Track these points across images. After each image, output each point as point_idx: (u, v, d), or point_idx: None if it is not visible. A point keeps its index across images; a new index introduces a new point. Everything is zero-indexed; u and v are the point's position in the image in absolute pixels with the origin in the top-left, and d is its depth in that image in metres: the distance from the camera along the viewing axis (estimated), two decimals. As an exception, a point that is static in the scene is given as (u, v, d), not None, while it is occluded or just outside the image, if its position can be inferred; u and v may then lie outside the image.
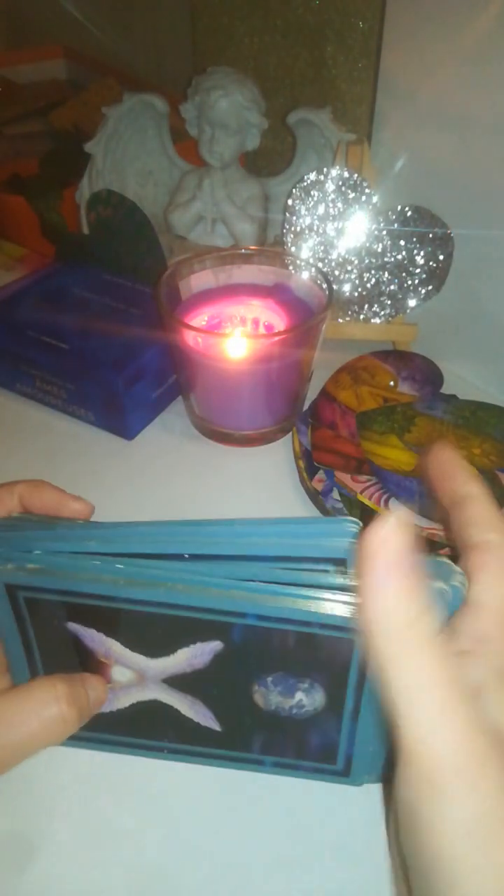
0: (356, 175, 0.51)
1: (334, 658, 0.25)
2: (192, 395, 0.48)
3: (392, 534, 0.18)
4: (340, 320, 0.54)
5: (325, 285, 0.46)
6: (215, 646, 0.26)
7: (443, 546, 0.39)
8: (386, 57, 0.51)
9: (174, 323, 0.43)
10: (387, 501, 0.42)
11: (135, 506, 0.44)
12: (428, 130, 0.50)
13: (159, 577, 0.24)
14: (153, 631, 0.26)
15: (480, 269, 0.50)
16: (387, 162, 0.53)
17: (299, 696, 0.27)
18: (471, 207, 0.49)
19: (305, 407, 0.49)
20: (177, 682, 0.28)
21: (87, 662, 0.28)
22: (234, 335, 0.48)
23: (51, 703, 0.26)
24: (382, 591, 0.18)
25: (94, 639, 0.27)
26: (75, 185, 0.61)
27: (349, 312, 0.54)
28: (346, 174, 0.51)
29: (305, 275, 0.49)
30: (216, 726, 0.29)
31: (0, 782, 0.30)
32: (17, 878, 0.28)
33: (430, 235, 0.50)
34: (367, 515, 0.41)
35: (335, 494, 0.43)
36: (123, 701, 0.29)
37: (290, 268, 0.49)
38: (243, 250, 0.50)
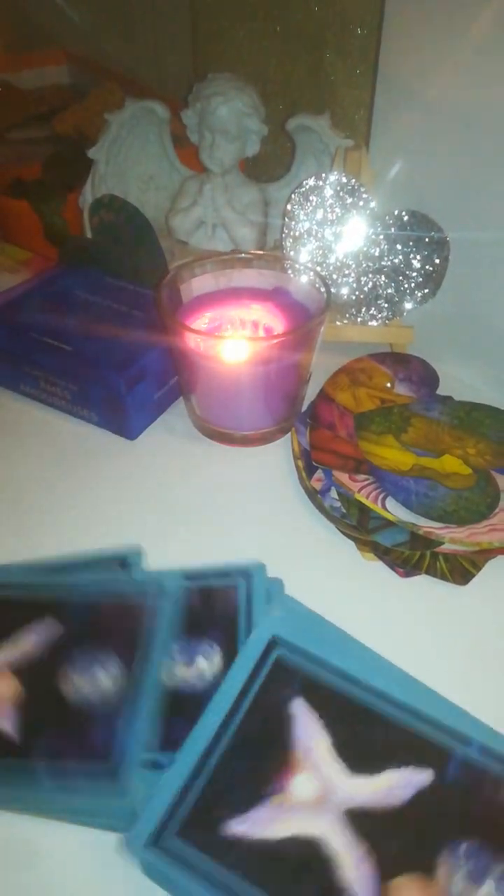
0: (354, 180, 0.51)
1: None
2: (192, 396, 0.48)
3: None
4: (338, 323, 0.55)
5: (323, 289, 0.46)
6: (424, 778, 0.23)
7: (439, 544, 0.40)
8: (384, 63, 0.52)
9: (175, 325, 0.44)
10: (384, 500, 0.43)
11: (137, 505, 0.45)
12: (426, 135, 0.50)
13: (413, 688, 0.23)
14: (374, 737, 0.24)
15: (476, 272, 0.51)
16: (384, 167, 0.54)
17: (487, 889, 0.22)
18: (467, 212, 0.50)
19: (304, 408, 0.50)
20: (358, 819, 0.23)
21: (278, 754, 0.24)
22: (234, 337, 0.48)
23: None
24: None
25: (309, 728, 0.24)
26: (78, 189, 0.62)
27: (347, 315, 0.55)
28: (344, 179, 0.51)
29: (304, 278, 0.49)
30: None
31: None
32: (17, 878, 0.29)
33: (427, 239, 0.51)
34: (364, 514, 0.42)
35: (333, 493, 0.43)
36: (281, 828, 0.23)
37: (289, 272, 0.50)
38: (243, 254, 0.51)
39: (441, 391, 0.51)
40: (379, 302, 0.54)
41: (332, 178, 0.51)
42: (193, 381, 0.47)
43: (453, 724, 0.23)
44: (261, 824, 0.23)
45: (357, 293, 0.54)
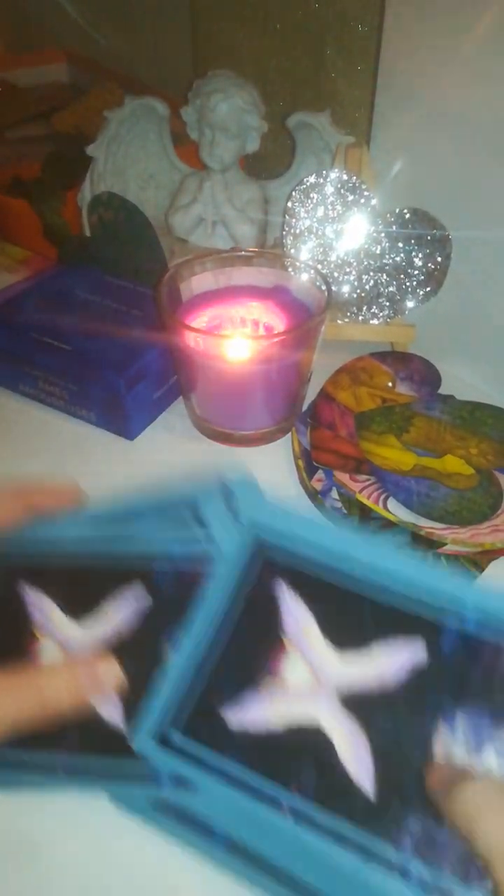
0: (355, 178, 0.51)
1: None
2: (192, 395, 0.48)
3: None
4: (339, 321, 0.55)
5: (324, 287, 0.46)
6: (417, 653, 0.23)
7: (441, 545, 0.40)
8: (385, 60, 0.51)
9: (175, 324, 0.43)
10: (385, 501, 0.43)
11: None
12: (426, 133, 0.50)
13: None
14: (362, 616, 0.24)
15: (478, 270, 0.50)
16: (385, 165, 0.53)
17: (489, 756, 0.21)
18: (469, 210, 0.49)
19: (305, 407, 0.50)
20: (354, 704, 0.23)
21: (268, 640, 0.25)
22: (234, 336, 0.48)
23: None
24: None
25: (296, 613, 0.25)
26: (77, 187, 0.62)
27: (348, 314, 0.54)
28: (344, 177, 0.51)
29: (305, 276, 0.49)
30: (369, 787, 0.22)
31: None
32: (17, 877, 0.29)
33: (429, 237, 0.51)
34: (365, 515, 0.42)
35: (334, 494, 0.43)
36: (278, 715, 0.24)
37: (290, 270, 0.50)
38: (243, 252, 0.51)
39: (443, 390, 0.51)
40: (380, 300, 0.53)
41: (333, 175, 0.51)
42: (193, 381, 0.47)
43: (445, 600, 0.23)
44: (259, 712, 0.24)
45: (358, 291, 0.54)
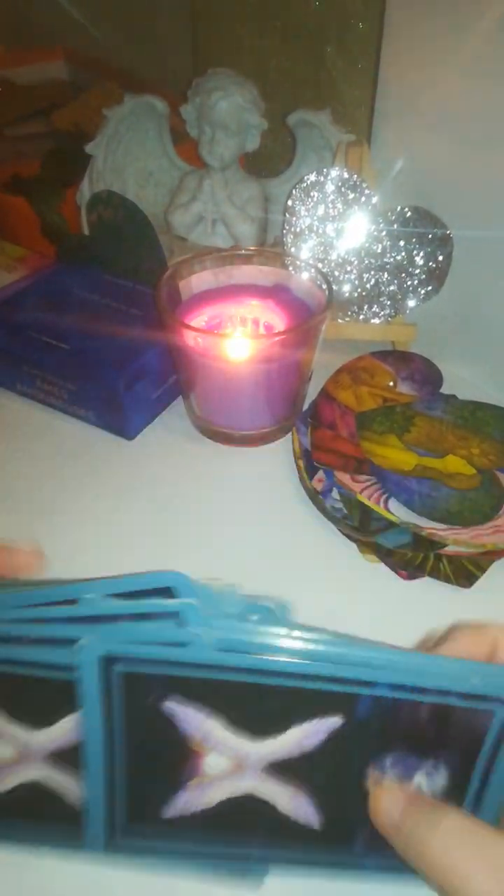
0: (356, 176, 0.51)
1: (469, 733, 0.23)
2: (192, 395, 0.48)
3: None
4: (340, 321, 0.54)
5: (324, 286, 0.46)
6: (334, 723, 0.23)
7: (443, 546, 0.40)
8: (386, 58, 0.51)
9: (174, 323, 0.43)
10: (386, 501, 0.42)
11: (135, 506, 0.44)
12: (427, 131, 0.50)
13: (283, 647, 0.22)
14: (268, 706, 0.23)
15: (479, 269, 0.50)
16: (386, 163, 0.53)
17: (418, 779, 0.24)
18: (470, 208, 0.49)
19: (305, 407, 0.49)
20: (279, 770, 0.24)
21: (175, 750, 0.24)
22: (234, 335, 0.48)
23: None
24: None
25: (194, 720, 0.24)
26: (76, 186, 0.61)
27: (349, 313, 0.54)
28: (345, 175, 0.51)
29: (305, 275, 0.49)
30: (315, 823, 0.25)
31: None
32: (18, 876, 0.29)
33: (430, 236, 0.50)
34: (366, 515, 0.41)
35: (335, 494, 0.43)
36: (212, 798, 0.25)
37: (290, 268, 0.49)
38: (243, 251, 0.50)
39: (444, 390, 0.50)
40: (381, 299, 0.53)
41: (334, 173, 0.51)
42: (193, 380, 0.47)
43: (352, 673, 0.22)
44: (192, 802, 0.25)
45: (359, 290, 0.53)
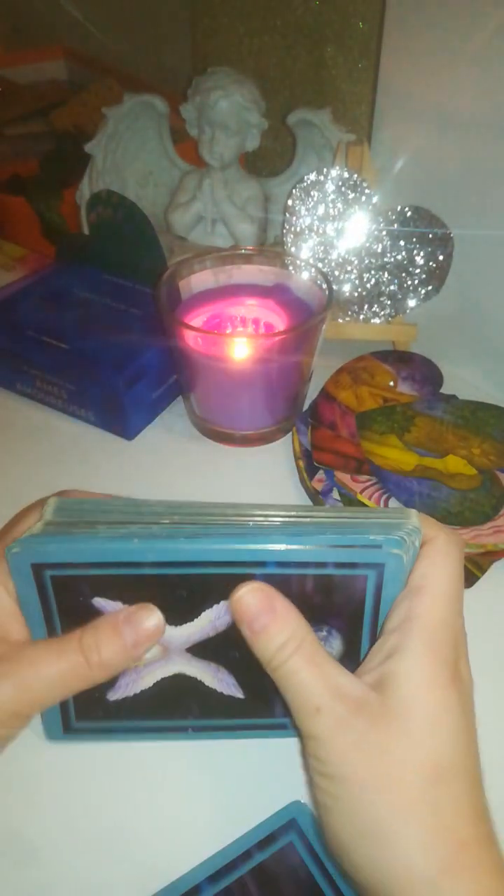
0: (356, 175, 0.51)
1: (350, 599, 0.26)
2: (192, 395, 0.48)
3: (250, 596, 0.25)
4: (340, 320, 0.54)
5: (324, 285, 0.46)
6: None
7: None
8: (386, 57, 0.51)
9: (174, 323, 0.43)
10: (386, 501, 0.42)
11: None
12: (428, 130, 0.50)
13: (175, 533, 0.25)
14: (177, 595, 0.26)
15: (480, 269, 0.50)
16: (387, 162, 0.53)
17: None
18: (470, 208, 0.49)
19: (305, 407, 0.49)
20: (200, 649, 0.28)
21: None
22: (234, 335, 0.48)
23: (75, 650, 0.26)
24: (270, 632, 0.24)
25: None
26: (75, 185, 0.61)
27: (349, 313, 0.54)
28: (345, 174, 0.51)
29: (305, 275, 0.49)
30: (239, 694, 0.29)
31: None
32: (17, 876, 0.28)
33: (430, 236, 0.50)
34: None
35: (335, 494, 0.43)
36: (147, 680, 0.29)
37: (290, 268, 0.49)
38: (243, 250, 0.50)
39: (445, 390, 0.50)
40: (381, 299, 0.53)
41: (334, 172, 0.51)
42: (193, 380, 0.47)
43: (242, 556, 0.25)
44: (131, 685, 0.29)
45: (359, 290, 0.53)
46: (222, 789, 0.31)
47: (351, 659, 0.27)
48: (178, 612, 0.27)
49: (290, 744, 0.31)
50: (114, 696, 0.29)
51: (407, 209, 0.50)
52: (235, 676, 0.29)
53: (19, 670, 0.25)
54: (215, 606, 0.27)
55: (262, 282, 0.50)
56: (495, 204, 0.47)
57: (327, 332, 0.46)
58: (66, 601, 0.27)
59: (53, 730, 0.30)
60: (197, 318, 0.48)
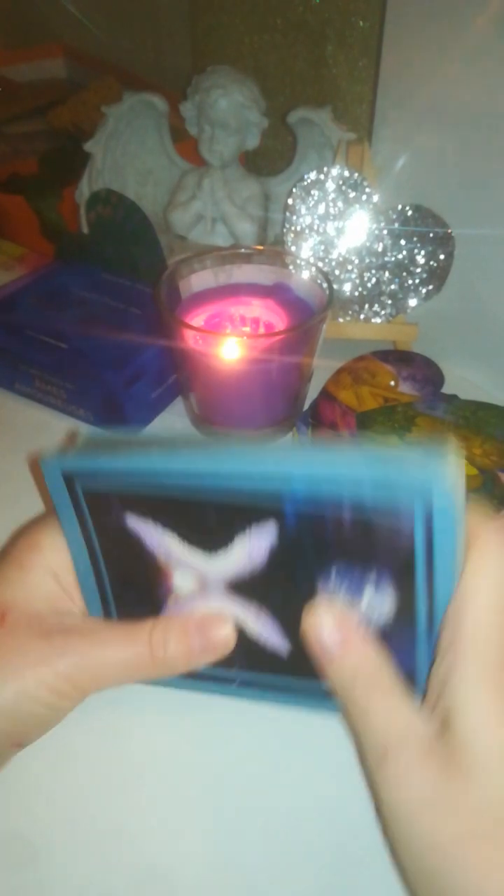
0: (357, 174, 0.50)
1: (395, 546, 0.23)
2: (191, 394, 0.48)
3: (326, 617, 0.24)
4: (341, 320, 0.54)
5: (325, 285, 0.45)
6: (270, 536, 0.25)
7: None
8: (386, 56, 0.51)
9: (174, 322, 0.43)
10: (387, 502, 0.42)
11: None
12: (429, 129, 0.50)
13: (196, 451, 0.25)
14: (207, 516, 0.26)
15: (481, 268, 0.50)
16: (387, 161, 0.53)
17: (369, 593, 0.25)
18: (471, 207, 0.49)
19: (306, 407, 0.49)
20: (240, 588, 0.27)
21: (150, 573, 0.28)
22: (234, 335, 0.47)
23: (144, 642, 0.26)
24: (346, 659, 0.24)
25: (153, 537, 0.27)
26: (75, 184, 0.61)
27: (349, 312, 0.54)
28: (346, 173, 0.50)
29: (306, 274, 0.48)
30: (283, 649, 0.28)
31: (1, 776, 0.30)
32: (17, 875, 0.28)
33: (431, 235, 0.50)
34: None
35: (336, 495, 0.42)
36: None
37: (291, 267, 0.49)
38: (243, 250, 0.50)
39: (446, 390, 0.50)
40: (382, 298, 0.53)
41: (335, 171, 0.50)
42: (192, 380, 0.46)
43: (266, 466, 0.24)
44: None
45: (360, 289, 0.53)
46: (224, 789, 0.31)
47: (405, 622, 0.25)
48: (209, 538, 0.26)
49: (295, 746, 0.31)
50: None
51: (408, 208, 0.50)
52: (280, 624, 0.27)
53: (89, 648, 0.26)
54: (248, 533, 0.25)
55: (262, 281, 0.49)
56: (497, 203, 0.47)
57: (328, 331, 0.46)
58: (100, 519, 0.27)
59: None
60: (197, 318, 0.47)
